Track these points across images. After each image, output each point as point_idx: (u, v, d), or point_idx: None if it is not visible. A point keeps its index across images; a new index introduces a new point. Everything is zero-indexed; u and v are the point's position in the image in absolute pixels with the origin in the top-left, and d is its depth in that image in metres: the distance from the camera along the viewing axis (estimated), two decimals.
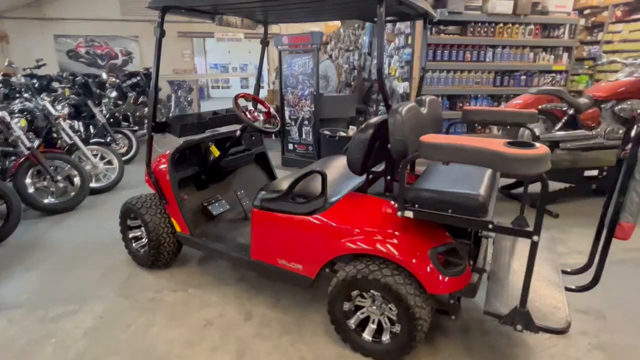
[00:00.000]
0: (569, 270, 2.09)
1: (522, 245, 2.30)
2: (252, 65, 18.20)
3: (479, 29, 5.42)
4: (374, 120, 1.97)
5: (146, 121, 6.90)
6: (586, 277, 2.01)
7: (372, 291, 1.86)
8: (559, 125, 3.98)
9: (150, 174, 2.53)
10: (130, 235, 2.84)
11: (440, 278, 1.75)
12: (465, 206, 1.66)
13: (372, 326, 1.97)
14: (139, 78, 7.34)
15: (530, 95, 3.99)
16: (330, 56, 7.25)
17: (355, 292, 1.92)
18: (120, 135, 5.83)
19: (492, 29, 5.46)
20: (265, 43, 3.06)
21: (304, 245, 2.05)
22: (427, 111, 2.19)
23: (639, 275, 2.72)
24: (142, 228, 2.76)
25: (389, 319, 1.92)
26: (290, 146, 5.67)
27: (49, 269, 2.84)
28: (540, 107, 3.91)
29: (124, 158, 5.31)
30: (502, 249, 2.27)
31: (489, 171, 2.05)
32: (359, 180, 2.33)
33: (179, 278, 2.70)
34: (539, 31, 5.63)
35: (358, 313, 1.99)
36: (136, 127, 6.35)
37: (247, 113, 2.45)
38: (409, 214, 1.74)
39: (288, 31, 14.24)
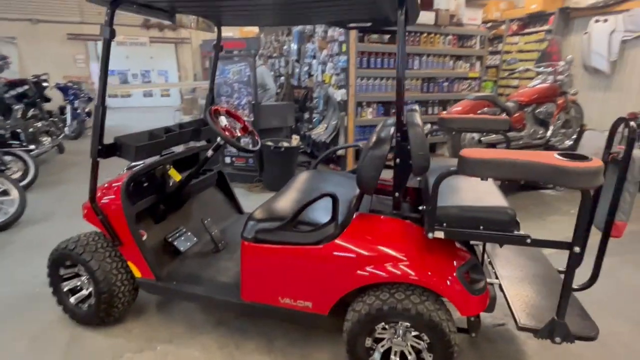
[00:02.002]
0: (560, 269, 2.18)
1: (507, 252, 2.34)
2: (154, 72, 16.74)
3: (406, 38, 5.66)
4: (385, 133, 1.81)
5: (39, 140, 5.80)
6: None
7: (400, 322, 1.69)
8: None
9: (97, 210, 2.01)
10: (65, 288, 2.24)
11: (472, 298, 1.66)
12: (497, 221, 1.59)
13: (394, 358, 1.80)
14: (26, 87, 6.13)
15: (469, 102, 4.24)
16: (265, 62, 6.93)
17: (380, 325, 1.73)
18: (10, 157, 4.75)
19: (418, 39, 5.75)
20: (218, 48, 2.70)
21: (315, 280, 1.79)
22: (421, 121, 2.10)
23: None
24: (84, 278, 2.19)
25: (412, 347, 1.77)
26: (228, 159, 5.23)
27: None
28: (478, 112, 4.17)
29: (20, 184, 4.32)
30: (492, 256, 2.29)
31: (491, 181, 2.04)
32: (350, 198, 2.15)
33: (140, 333, 2.20)
34: (455, 41, 6.09)
35: (379, 347, 1.80)
36: (31, 146, 5.25)
37: (224, 129, 2.10)
38: (440, 234, 1.61)
39: (199, 36, 13.41)
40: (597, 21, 5.89)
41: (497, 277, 2.05)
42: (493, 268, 2.14)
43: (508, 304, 1.81)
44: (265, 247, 1.83)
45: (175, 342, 2.13)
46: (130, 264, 2.10)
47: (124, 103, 16.27)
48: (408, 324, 1.69)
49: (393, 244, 1.73)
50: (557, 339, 1.60)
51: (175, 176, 2.30)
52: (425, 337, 1.69)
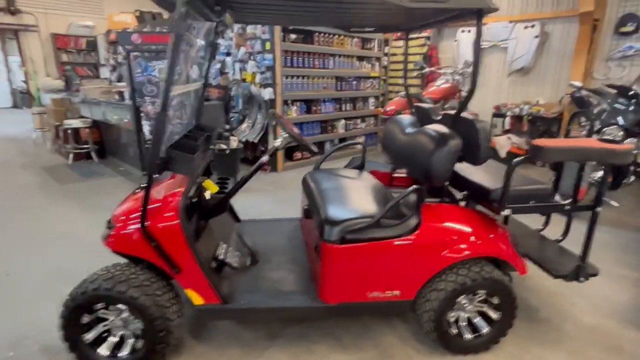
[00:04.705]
0: (537, 228, 2.79)
1: None
2: None
3: (322, 39, 5.95)
4: (447, 130, 2.02)
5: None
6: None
7: (478, 292, 1.97)
8: None
9: (149, 236, 1.69)
10: (90, 340, 1.81)
11: (523, 260, 2.06)
12: (541, 195, 2.01)
13: (462, 324, 2.08)
14: None
15: (401, 99, 4.79)
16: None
17: (461, 298, 1.98)
18: None
19: (331, 40, 6.11)
20: (215, 45, 2.50)
21: (403, 269, 1.92)
22: None
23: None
24: (116, 321, 1.82)
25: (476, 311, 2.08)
26: None
27: None
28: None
29: None
30: None
31: (496, 164, 2.48)
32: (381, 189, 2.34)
33: None
34: (360, 43, 6.67)
35: (450, 318, 2.05)
36: None
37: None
38: (508, 212, 1.94)
39: (49, 24, 11.03)
40: (463, 31, 7.24)
41: None
42: None
43: (535, 261, 2.27)
44: (354, 247, 1.87)
45: None
46: (189, 291, 1.84)
47: None
48: (484, 290, 1.98)
49: (464, 226, 1.99)
50: (582, 279, 2.12)
51: (212, 188, 2.08)
52: (496, 300, 2.01)
